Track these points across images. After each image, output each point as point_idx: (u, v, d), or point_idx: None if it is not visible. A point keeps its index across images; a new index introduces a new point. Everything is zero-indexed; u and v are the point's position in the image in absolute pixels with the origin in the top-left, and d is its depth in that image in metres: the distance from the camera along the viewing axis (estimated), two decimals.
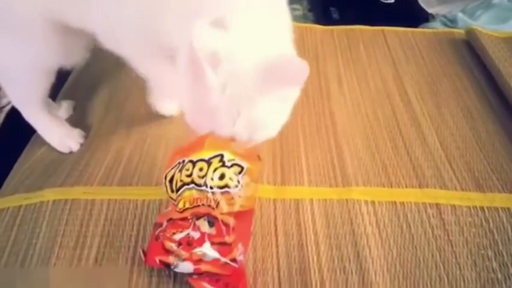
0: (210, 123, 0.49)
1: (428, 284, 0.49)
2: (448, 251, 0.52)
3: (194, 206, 0.49)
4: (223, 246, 0.47)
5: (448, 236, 0.53)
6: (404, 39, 0.87)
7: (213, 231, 0.48)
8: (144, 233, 0.55)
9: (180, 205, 0.49)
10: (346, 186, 0.59)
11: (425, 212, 0.56)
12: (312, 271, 0.50)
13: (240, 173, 0.50)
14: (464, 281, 0.49)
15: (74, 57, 0.66)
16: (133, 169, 0.62)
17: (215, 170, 0.50)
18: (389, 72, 0.79)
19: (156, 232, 0.50)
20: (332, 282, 0.49)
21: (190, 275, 0.48)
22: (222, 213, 0.48)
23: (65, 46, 0.62)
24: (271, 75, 0.46)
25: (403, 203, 0.56)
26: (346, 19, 1.03)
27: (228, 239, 0.47)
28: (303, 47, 0.85)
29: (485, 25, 0.94)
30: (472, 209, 0.56)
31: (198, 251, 0.47)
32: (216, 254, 0.47)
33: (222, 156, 0.50)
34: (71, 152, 0.68)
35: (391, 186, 0.59)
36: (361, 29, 0.90)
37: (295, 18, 1.35)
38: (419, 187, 0.59)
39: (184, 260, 0.47)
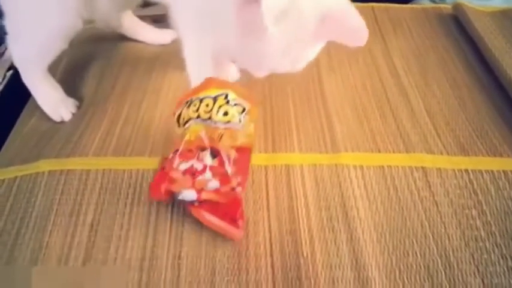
0: (258, 53, 0.52)
1: (414, 241, 0.51)
2: (433, 211, 0.54)
3: (197, 139, 0.53)
4: (223, 177, 0.52)
5: (433, 197, 0.55)
6: (393, 14, 0.88)
7: (215, 162, 0.52)
8: (138, 200, 0.56)
9: (187, 137, 0.54)
10: (336, 152, 0.60)
11: (412, 175, 0.57)
12: (302, 231, 0.52)
13: (242, 112, 0.55)
14: (449, 238, 0.51)
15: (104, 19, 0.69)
16: (127, 139, 0.63)
17: (220, 106, 0.54)
18: (378, 46, 0.80)
19: (163, 165, 0.55)
20: (321, 240, 0.51)
21: (192, 202, 0.51)
22: (224, 146, 0.53)
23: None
24: (331, 28, 0.49)
25: (390, 166, 0.58)
26: None
27: (228, 170, 0.52)
28: None
29: (472, 0, 0.95)
30: (457, 172, 0.57)
31: (200, 180, 0.51)
32: (217, 183, 0.51)
33: (226, 95, 0.55)
34: (62, 122, 0.68)
35: (379, 152, 0.60)
36: None
37: None
38: (406, 152, 0.60)
39: (188, 188, 0.51)
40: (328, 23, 0.48)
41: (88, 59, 0.80)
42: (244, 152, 0.55)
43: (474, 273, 0.48)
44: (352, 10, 0.50)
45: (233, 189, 0.51)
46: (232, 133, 0.53)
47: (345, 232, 0.51)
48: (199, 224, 0.52)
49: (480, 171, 0.57)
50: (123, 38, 0.83)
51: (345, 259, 0.49)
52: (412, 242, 0.51)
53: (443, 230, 0.52)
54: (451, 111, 0.67)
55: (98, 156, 0.61)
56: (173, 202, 0.54)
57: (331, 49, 0.79)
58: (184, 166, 0.52)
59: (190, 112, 0.55)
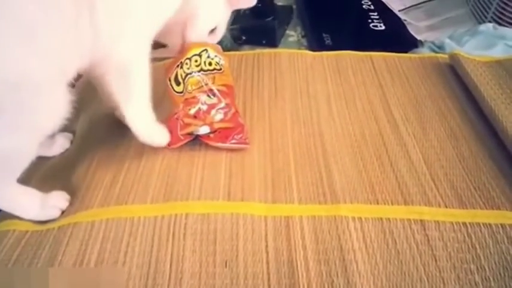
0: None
1: None
2: (432, 266, 0.54)
3: (198, 87, 0.69)
4: (224, 108, 0.69)
5: (432, 251, 0.55)
6: (391, 63, 0.91)
7: (215, 100, 0.69)
8: (139, 249, 0.57)
9: (189, 88, 0.69)
10: (335, 203, 0.61)
11: (410, 228, 0.58)
12: (301, 286, 0.52)
13: (220, 61, 0.73)
14: None
15: None
16: (129, 187, 0.65)
17: (205, 60, 0.71)
18: (376, 95, 0.82)
19: (175, 116, 0.69)
20: None
21: (208, 134, 0.68)
22: (218, 85, 0.70)
23: None
24: None
25: (388, 219, 0.59)
26: (338, 45, 1.07)
27: (225, 101, 0.70)
28: (294, 71, 0.89)
29: (471, 51, 0.98)
30: (455, 225, 0.58)
31: (209, 116, 0.68)
32: (222, 115, 0.68)
33: (206, 50, 0.72)
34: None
35: (378, 203, 0.61)
36: (349, 54, 0.94)
37: (289, 44, 1.40)
38: (405, 204, 0.61)
39: (201, 125, 0.67)
40: None
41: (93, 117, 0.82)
42: (229, 88, 0.72)
43: None
44: None
45: (234, 114, 0.69)
46: (219, 76, 0.71)
47: (344, 287, 0.51)
48: None
49: (478, 225, 0.58)
50: None
51: None
52: None
53: (442, 286, 0.52)
54: (448, 162, 0.68)
55: (102, 206, 0.63)
56: (193, 139, 0.69)
57: (332, 97, 0.82)
58: (193, 111, 0.68)
59: (185, 69, 0.70)
